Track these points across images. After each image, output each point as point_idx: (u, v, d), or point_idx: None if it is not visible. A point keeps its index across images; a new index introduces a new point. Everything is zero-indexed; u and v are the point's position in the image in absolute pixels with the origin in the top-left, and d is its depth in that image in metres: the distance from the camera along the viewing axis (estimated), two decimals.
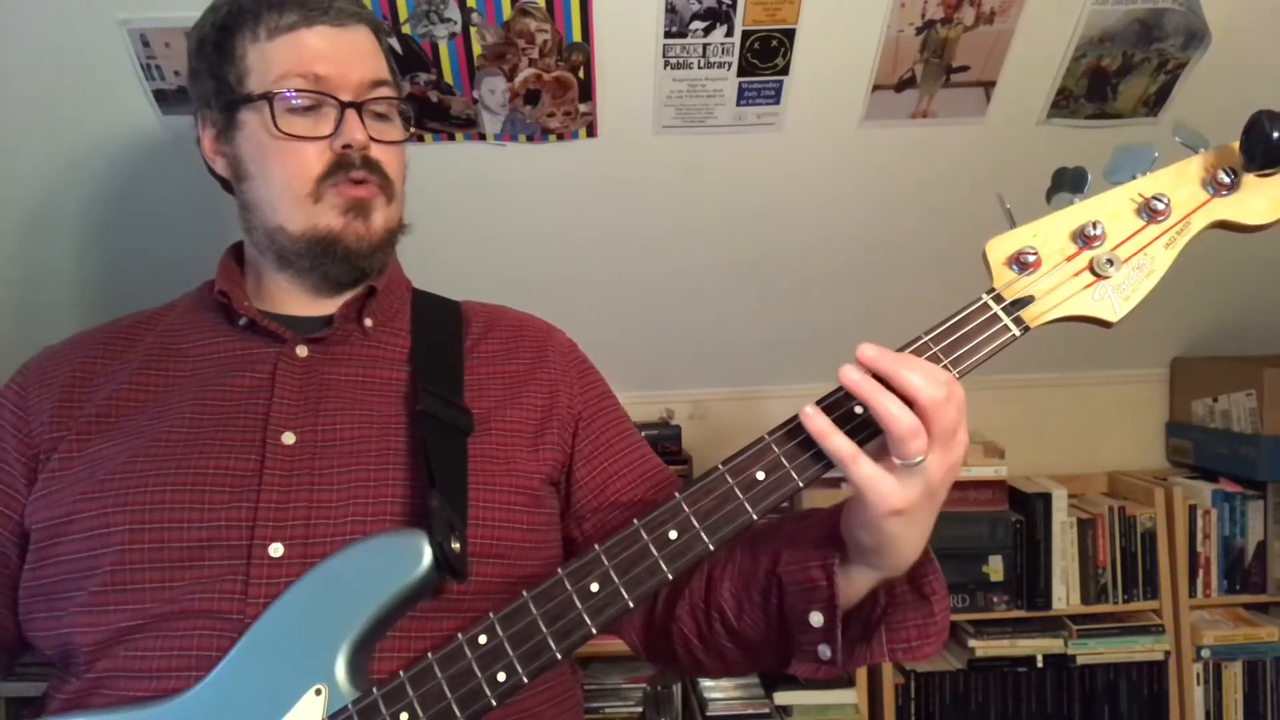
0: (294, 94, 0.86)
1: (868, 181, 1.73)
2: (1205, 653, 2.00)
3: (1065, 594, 1.97)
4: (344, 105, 0.87)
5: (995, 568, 1.96)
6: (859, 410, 0.71)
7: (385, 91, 0.91)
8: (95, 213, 1.63)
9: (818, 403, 0.73)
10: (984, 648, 1.96)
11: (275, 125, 0.86)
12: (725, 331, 2.02)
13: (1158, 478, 2.14)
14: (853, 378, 0.68)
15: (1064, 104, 1.63)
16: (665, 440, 2.01)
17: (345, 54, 0.88)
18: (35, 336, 0.98)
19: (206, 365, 0.91)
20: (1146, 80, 1.60)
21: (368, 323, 0.94)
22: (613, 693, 1.85)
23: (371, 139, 0.88)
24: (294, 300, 0.94)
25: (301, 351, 0.90)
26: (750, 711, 1.83)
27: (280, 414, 0.86)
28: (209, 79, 0.91)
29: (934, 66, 1.54)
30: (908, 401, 0.67)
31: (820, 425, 0.70)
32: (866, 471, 0.69)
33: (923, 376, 0.67)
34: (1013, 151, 1.68)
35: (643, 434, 1.03)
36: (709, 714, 1.84)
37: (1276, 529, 2.04)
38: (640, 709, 1.85)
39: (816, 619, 0.76)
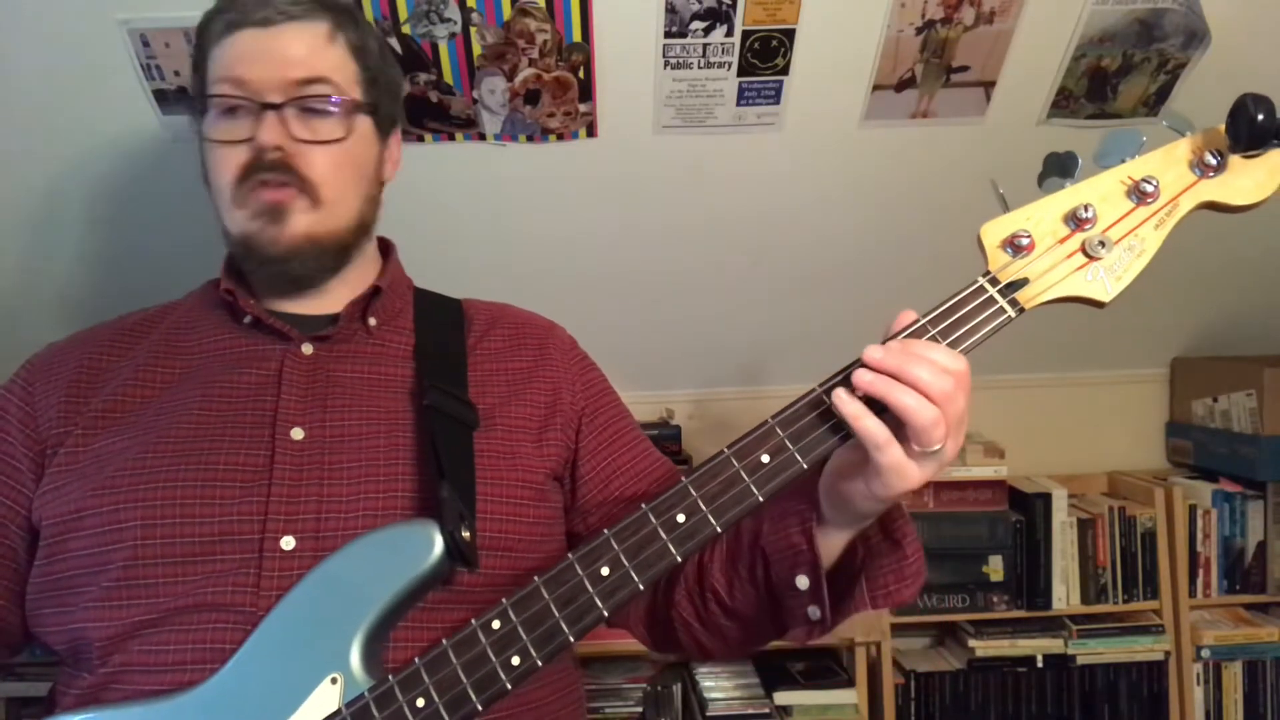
0: (216, 99, 0.88)
1: (867, 181, 1.73)
2: (1205, 653, 2.00)
3: (1065, 594, 1.97)
4: (262, 107, 0.86)
5: (995, 568, 1.96)
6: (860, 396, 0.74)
7: (318, 89, 0.88)
8: (96, 213, 1.63)
9: (824, 383, 0.76)
10: (984, 648, 1.96)
11: (203, 131, 0.89)
12: (725, 331, 2.02)
13: (1158, 478, 2.14)
14: (866, 379, 0.72)
15: (1064, 104, 1.63)
16: (665, 440, 2.01)
17: (271, 56, 0.87)
18: (35, 336, 0.98)
19: (212, 361, 0.91)
20: (1146, 80, 1.60)
21: (371, 321, 0.95)
22: (613, 693, 1.85)
23: (297, 139, 0.87)
24: (293, 301, 0.94)
25: (307, 349, 0.91)
26: (750, 711, 1.83)
27: (288, 410, 0.87)
28: (193, 84, 0.94)
29: (934, 66, 1.54)
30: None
31: (853, 409, 0.72)
32: (897, 456, 0.71)
33: (929, 371, 0.70)
34: (1013, 151, 1.67)
35: (625, 404, 1.04)
36: (709, 714, 1.84)
37: (1276, 529, 2.04)
38: (640, 709, 1.85)
39: (803, 582, 0.79)
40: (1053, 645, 1.96)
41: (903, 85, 1.56)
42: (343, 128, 0.90)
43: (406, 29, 1.40)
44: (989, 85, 1.59)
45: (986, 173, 1.85)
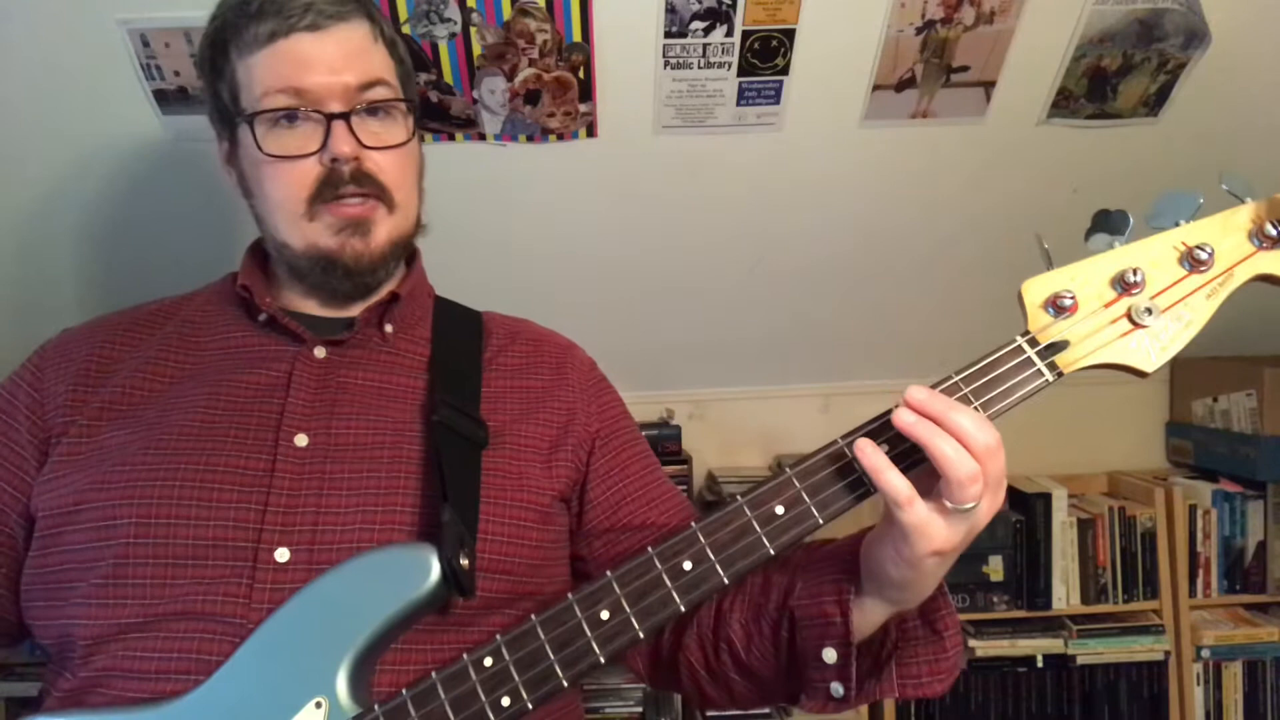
0: (276, 113, 0.84)
1: (867, 181, 1.73)
2: (1205, 653, 2.00)
3: (1065, 594, 1.98)
4: (329, 117, 0.84)
5: (995, 568, 1.96)
6: (884, 449, 0.70)
7: (379, 93, 0.86)
8: (96, 212, 1.63)
9: (847, 435, 0.73)
10: (984, 648, 1.96)
11: (259, 146, 0.85)
12: (725, 331, 2.02)
13: (1158, 478, 2.14)
14: (908, 420, 0.68)
15: (1064, 104, 1.63)
16: (665, 440, 2.01)
17: (328, 60, 0.84)
18: (34, 338, 0.98)
19: (223, 359, 0.90)
20: (1146, 80, 1.60)
21: (388, 329, 0.93)
22: (613, 693, 1.85)
23: (366, 146, 0.85)
24: (313, 303, 0.93)
25: (320, 353, 0.89)
26: (750, 711, 1.83)
27: (294, 414, 0.85)
28: (211, 96, 0.90)
29: (934, 66, 1.54)
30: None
31: (876, 461, 0.69)
32: (921, 514, 0.68)
33: (973, 422, 0.67)
34: (1013, 151, 1.68)
35: (642, 434, 1.02)
36: (709, 714, 1.84)
37: (1276, 529, 2.04)
38: (640, 709, 1.85)
39: (830, 655, 0.75)
40: (1053, 645, 1.96)
41: (903, 85, 1.56)
42: (405, 129, 0.89)
43: (406, 29, 1.40)
44: (989, 85, 1.59)
45: (986, 173, 1.86)
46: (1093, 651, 1.96)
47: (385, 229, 0.88)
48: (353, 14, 0.86)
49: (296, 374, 0.87)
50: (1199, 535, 2.02)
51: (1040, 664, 1.96)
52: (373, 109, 0.86)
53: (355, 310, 0.92)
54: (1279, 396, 1.99)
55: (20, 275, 1.71)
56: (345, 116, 0.84)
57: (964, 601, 1.96)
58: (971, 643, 1.96)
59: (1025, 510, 1.99)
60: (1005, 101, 1.61)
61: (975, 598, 1.96)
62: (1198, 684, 2.00)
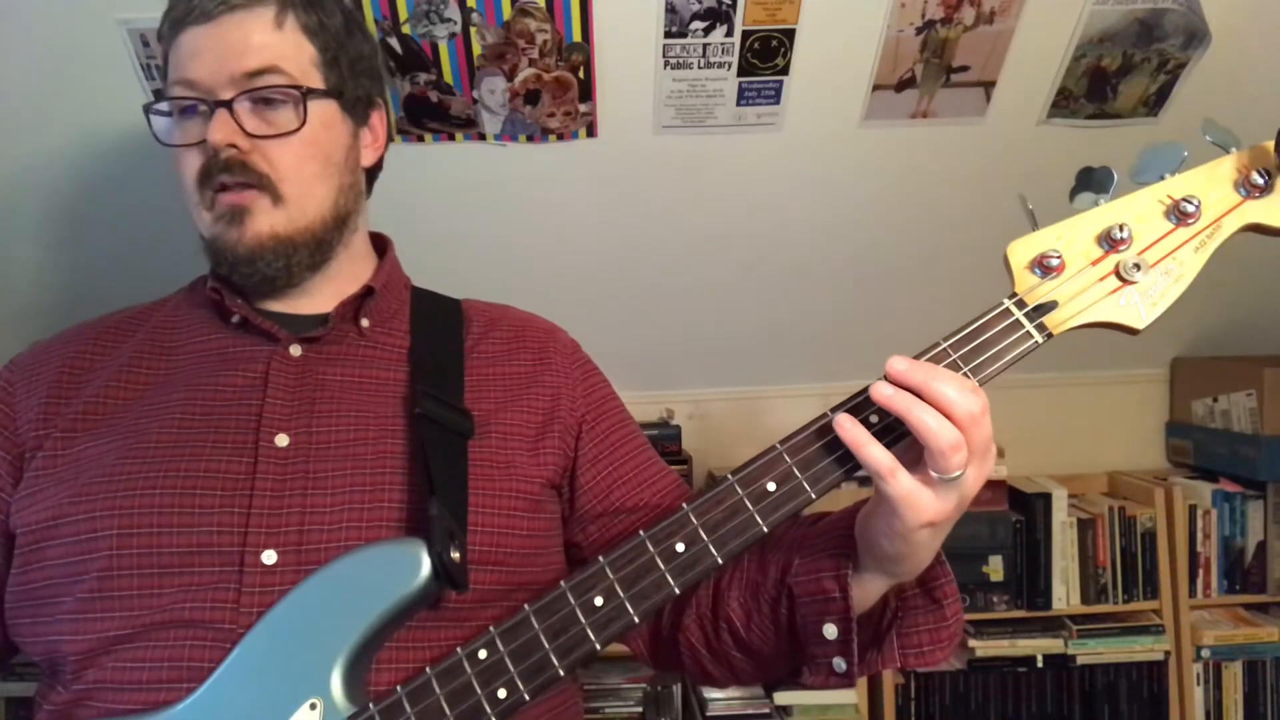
0: (166, 104, 0.86)
1: (867, 181, 1.73)
2: (1205, 653, 2.00)
3: (1065, 594, 1.98)
4: (213, 105, 0.83)
5: (995, 568, 1.96)
6: (874, 419, 0.70)
7: (269, 80, 0.84)
8: (95, 213, 1.63)
9: (835, 408, 0.72)
10: (984, 648, 1.96)
11: (157, 135, 0.87)
12: (725, 331, 2.02)
13: (1158, 478, 2.14)
14: (886, 393, 0.68)
15: (1064, 104, 1.63)
16: (665, 440, 2.01)
17: (216, 50, 0.84)
18: (28, 339, 0.98)
19: (197, 363, 0.88)
20: (1146, 80, 1.60)
21: (364, 322, 0.91)
22: (613, 693, 1.85)
23: (252, 135, 0.84)
24: (285, 301, 0.91)
25: (295, 351, 0.88)
26: (750, 711, 1.83)
27: (273, 414, 0.83)
28: None
29: (934, 66, 1.54)
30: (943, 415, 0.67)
31: (856, 435, 0.68)
32: (905, 485, 0.67)
33: (956, 389, 0.67)
34: (1013, 151, 1.68)
35: (631, 414, 1.01)
36: (709, 714, 1.84)
37: (1276, 529, 2.04)
38: (640, 709, 1.85)
39: (830, 631, 0.75)
40: (1053, 645, 1.96)
41: (903, 85, 1.56)
42: (298, 117, 0.85)
43: (406, 29, 1.40)
44: (989, 85, 1.59)
45: (986, 172, 1.86)
46: (1093, 651, 1.96)
47: (267, 221, 0.85)
48: (245, 5, 0.85)
49: (273, 374, 0.86)
50: (1199, 535, 2.02)
51: (1040, 664, 1.96)
52: (265, 97, 0.85)
53: (329, 306, 0.90)
54: (1279, 396, 1.98)
55: (18, 274, 1.71)
56: (228, 105, 0.83)
57: (964, 601, 1.94)
58: (971, 643, 1.96)
59: (1025, 510, 1.99)
60: (1005, 101, 1.61)
61: (975, 598, 1.96)
62: (1198, 684, 2.00)
